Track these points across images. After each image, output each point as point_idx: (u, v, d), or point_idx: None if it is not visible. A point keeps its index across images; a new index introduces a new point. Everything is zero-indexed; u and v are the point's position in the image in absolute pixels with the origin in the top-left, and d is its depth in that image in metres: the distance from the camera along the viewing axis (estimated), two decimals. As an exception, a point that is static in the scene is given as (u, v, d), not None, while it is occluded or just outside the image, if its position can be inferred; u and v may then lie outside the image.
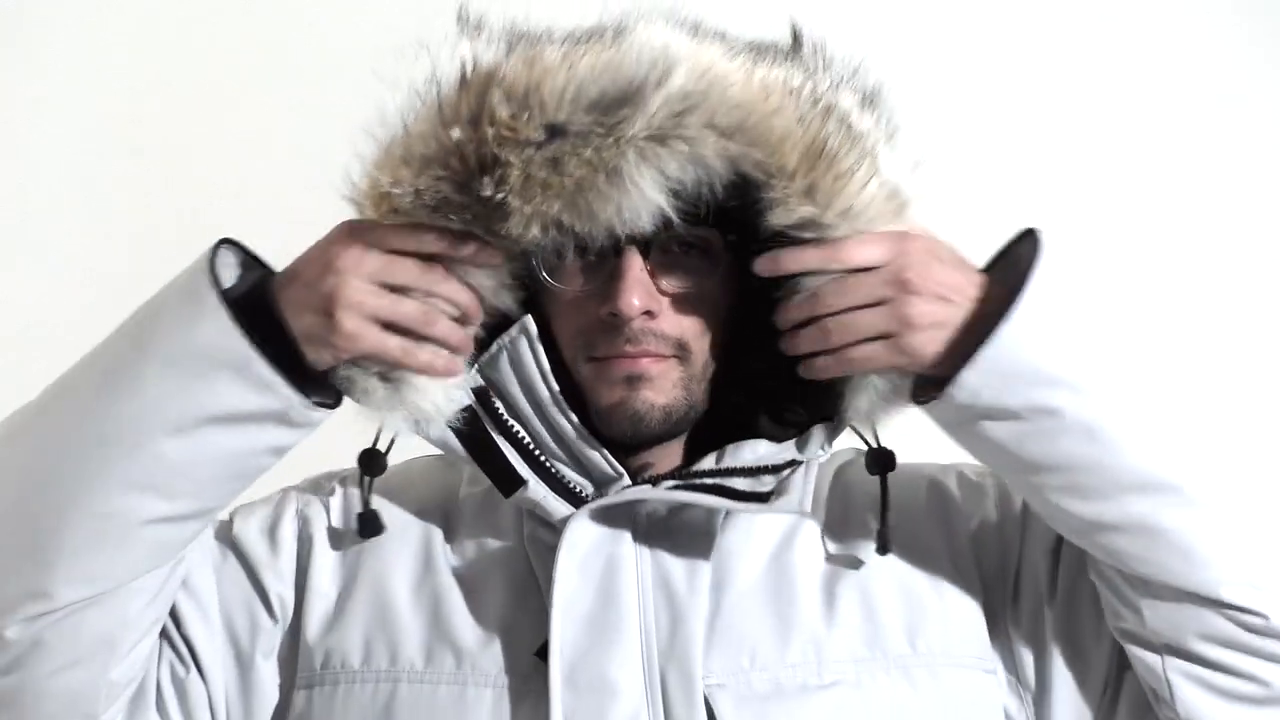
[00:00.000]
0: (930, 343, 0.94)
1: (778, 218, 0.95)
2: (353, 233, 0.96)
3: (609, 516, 1.03)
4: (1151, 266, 1.74)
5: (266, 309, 0.95)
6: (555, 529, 1.03)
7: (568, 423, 1.03)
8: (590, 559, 1.02)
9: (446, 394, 0.99)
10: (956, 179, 1.73)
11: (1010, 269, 0.96)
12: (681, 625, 1.00)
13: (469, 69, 0.94)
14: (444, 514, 1.10)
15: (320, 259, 0.96)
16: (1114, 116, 1.75)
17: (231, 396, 0.93)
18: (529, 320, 1.01)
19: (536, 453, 1.04)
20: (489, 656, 1.02)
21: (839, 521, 1.08)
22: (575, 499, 1.04)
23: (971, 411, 0.94)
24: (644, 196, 0.92)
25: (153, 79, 1.84)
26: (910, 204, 0.99)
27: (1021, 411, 0.93)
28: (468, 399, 1.01)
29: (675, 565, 1.02)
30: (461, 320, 0.97)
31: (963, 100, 1.74)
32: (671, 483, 1.03)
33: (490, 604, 1.04)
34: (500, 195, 0.92)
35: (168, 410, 0.93)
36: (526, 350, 1.02)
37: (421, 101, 0.95)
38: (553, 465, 1.05)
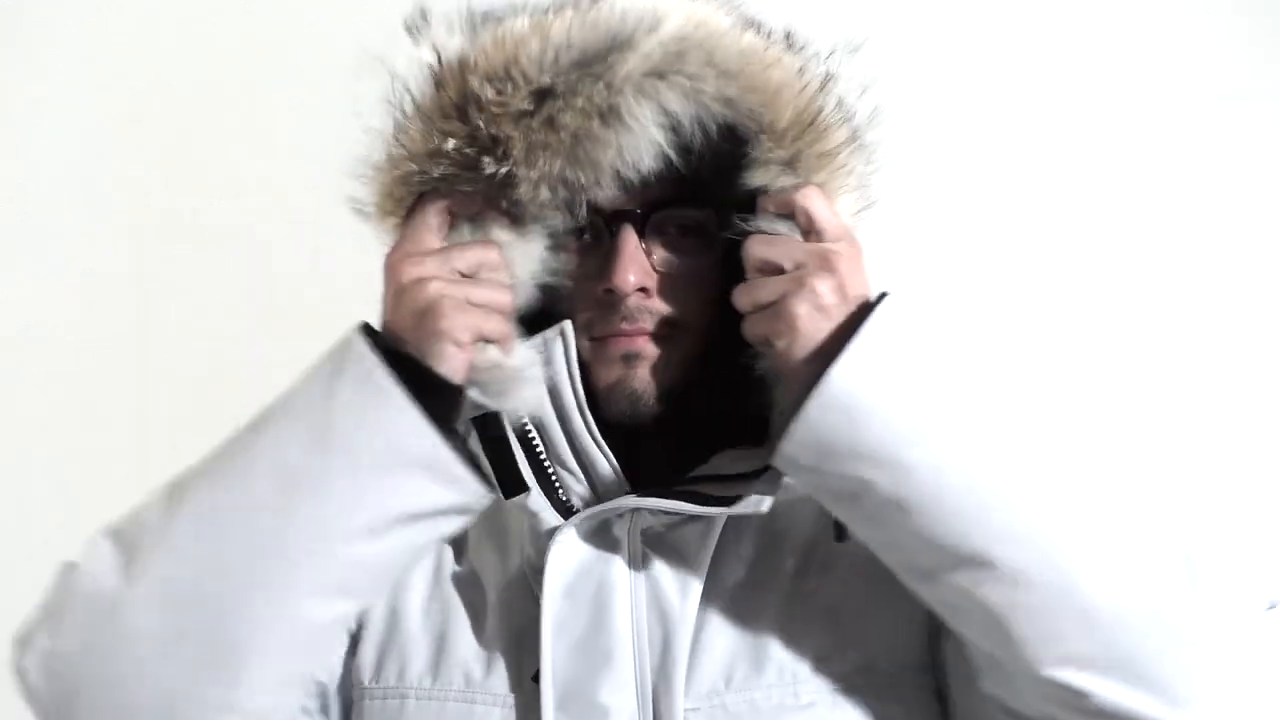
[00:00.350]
0: (810, 322, 0.92)
1: (757, 177, 0.96)
2: (399, 253, 0.97)
3: (600, 534, 1.03)
4: (1151, 266, 1.74)
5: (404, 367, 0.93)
6: (545, 543, 1.03)
7: (585, 429, 1.02)
8: (581, 581, 1.02)
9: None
10: (955, 178, 1.74)
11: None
12: (670, 647, 1.00)
13: (438, 68, 0.95)
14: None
15: (394, 288, 0.96)
16: (1113, 116, 1.75)
17: (426, 495, 0.92)
18: (568, 325, 1.01)
19: (544, 459, 1.04)
20: (495, 676, 1.02)
21: (808, 526, 1.07)
22: (567, 513, 1.04)
23: (796, 473, 0.94)
24: (645, 131, 0.93)
25: (153, 79, 1.84)
26: (871, 207, 1.00)
27: (833, 483, 0.92)
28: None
29: (669, 584, 1.02)
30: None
31: (959, 99, 1.74)
32: (634, 499, 1.02)
33: (495, 623, 1.04)
34: (504, 169, 0.93)
35: (360, 515, 0.91)
36: (560, 353, 1.01)
37: (404, 117, 0.96)
38: (555, 474, 1.04)
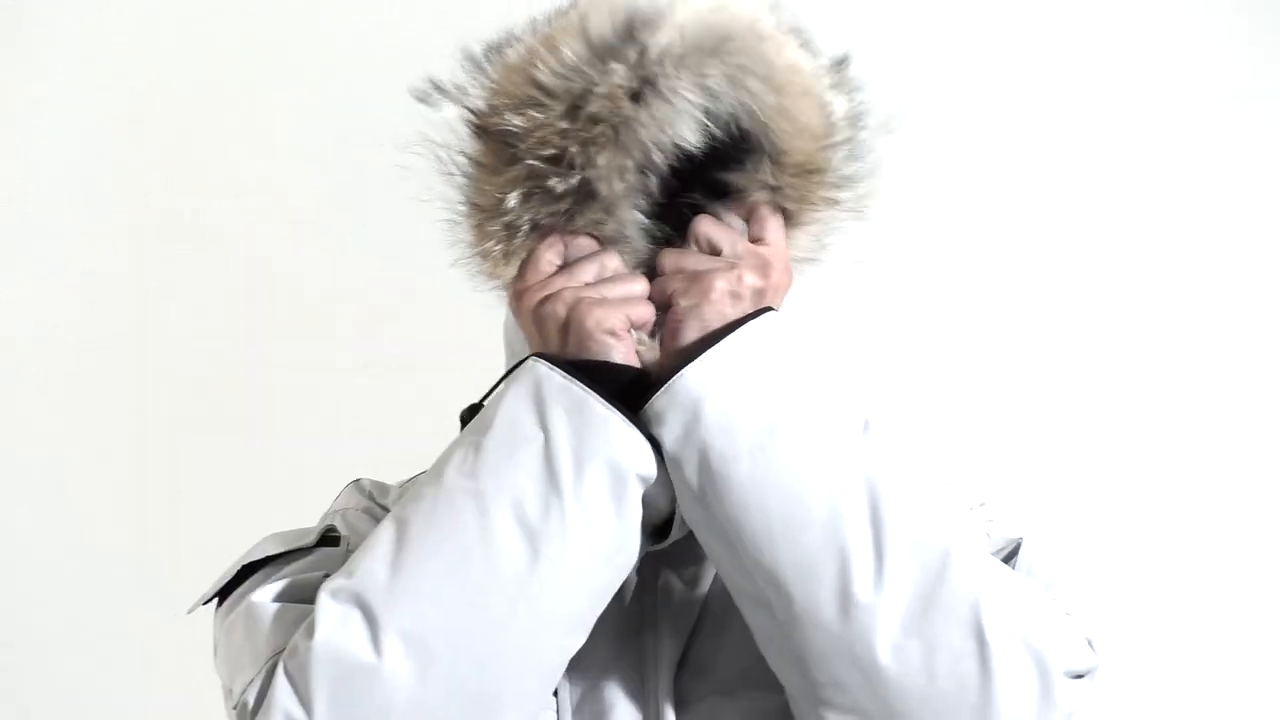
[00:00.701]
0: (721, 297, 0.94)
1: (739, 180, 0.98)
2: (523, 284, 0.97)
3: None
4: (1151, 265, 1.74)
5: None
6: None
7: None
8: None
9: None
10: (954, 176, 1.74)
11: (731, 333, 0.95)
12: (675, 646, 1.00)
13: (472, 118, 0.97)
14: None
15: (531, 312, 0.97)
16: (1111, 115, 1.75)
17: (646, 506, 0.93)
18: None
19: None
20: None
21: None
22: None
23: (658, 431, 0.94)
24: (687, 105, 0.93)
25: (153, 79, 1.84)
26: (815, 262, 1.03)
27: (672, 476, 0.93)
28: None
29: (676, 586, 1.03)
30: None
31: (958, 98, 1.74)
32: None
33: None
34: (575, 179, 0.94)
35: (600, 547, 0.92)
36: None
37: (464, 177, 0.98)
38: None
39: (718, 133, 0.96)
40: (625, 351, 0.94)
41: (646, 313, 0.96)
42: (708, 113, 0.94)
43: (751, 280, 0.95)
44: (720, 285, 0.94)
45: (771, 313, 0.95)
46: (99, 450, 1.83)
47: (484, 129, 0.97)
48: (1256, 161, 1.73)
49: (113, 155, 1.84)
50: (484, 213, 0.98)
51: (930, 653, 0.89)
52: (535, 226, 0.97)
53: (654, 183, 0.97)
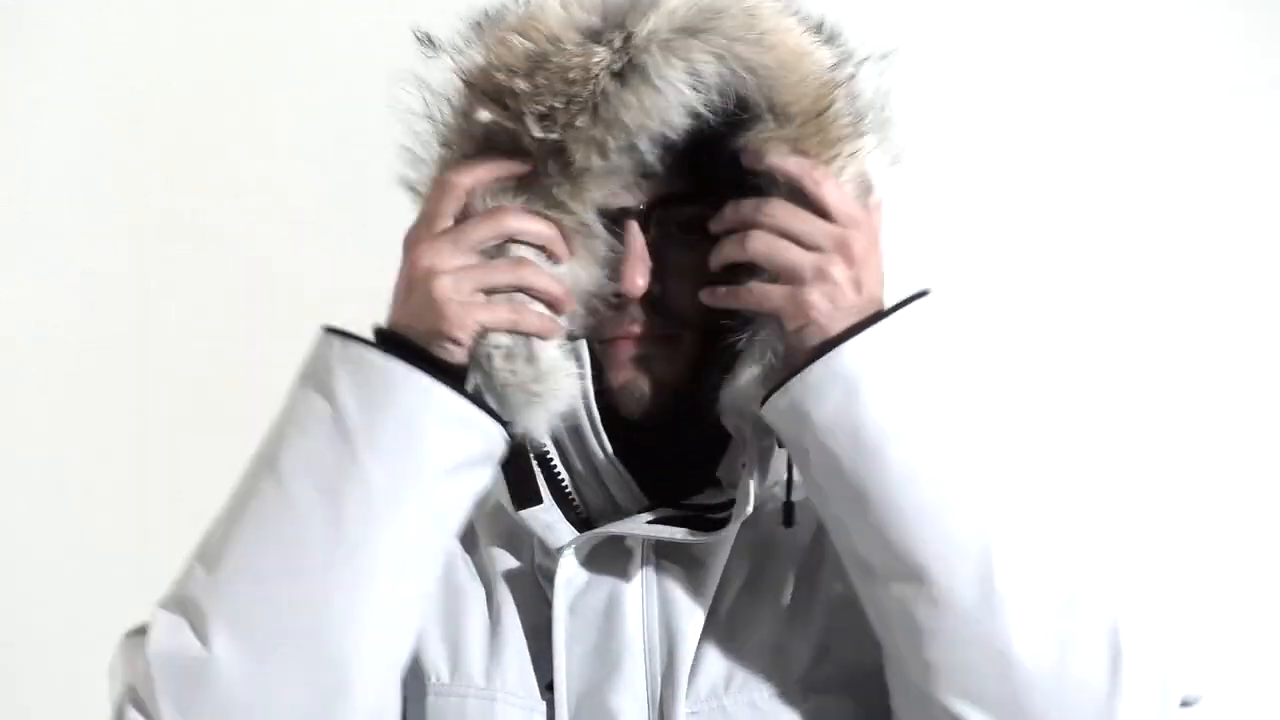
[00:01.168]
0: (825, 312, 0.93)
1: (754, 140, 0.96)
2: (414, 236, 0.97)
3: (612, 543, 1.03)
4: (1151, 264, 1.74)
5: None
6: (555, 557, 1.03)
7: (597, 441, 1.03)
8: (592, 591, 1.03)
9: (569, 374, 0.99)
10: (953, 175, 1.74)
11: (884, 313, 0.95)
12: (676, 652, 1.00)
13: (463, 75, 0.96)
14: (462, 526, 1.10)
15: (405, 274, 0.96)
16: (1109, 113, 1.75)
17: (456, 448, 0.94)
18: (583, 344, 1.01)
19: (556, 470, 1.04)
20: (514, 676, 1.02)
21: (807, 530, 1.08)
22: (579, 524, 1.04)
23: (777, 424, 0.95)
24: (674, 90, 0.93)
25: (153, 79, 1.84)
26: (879, 205, 0.99)
27: (806, 447, 0.93)
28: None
29: (679, 592, 1.03)
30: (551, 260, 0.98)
31: (957, 96, 1.74)
32: (649, 516, 1.03)
33: (510, 621, 1.04)
34: (553, 135, 0.93)
35: (405, 489, 0.93)
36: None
37: (441, 119, 0.97)
38: (569, 486, 1.05)
39: (709, 112, 0.94)
40: (459, 357, 0.95)
41: (530, 323, 0.95)
42: (698, 89, 0.93)
43: (844, 276, 0.94)
44: (818, 301, 0.93)
45: (929, 295, 0.95)
46: (99, 450, 1.83)
47: (473, 85, 0.96)
48: (1254, 156, 1.73)
49: (113, 155, 1.84)
50: (446, 149, 0.98)
51: (1065, 651, 0.90)
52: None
53: (634, 175, 0.97)
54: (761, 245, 0.95)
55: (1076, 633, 0.90)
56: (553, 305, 0.97)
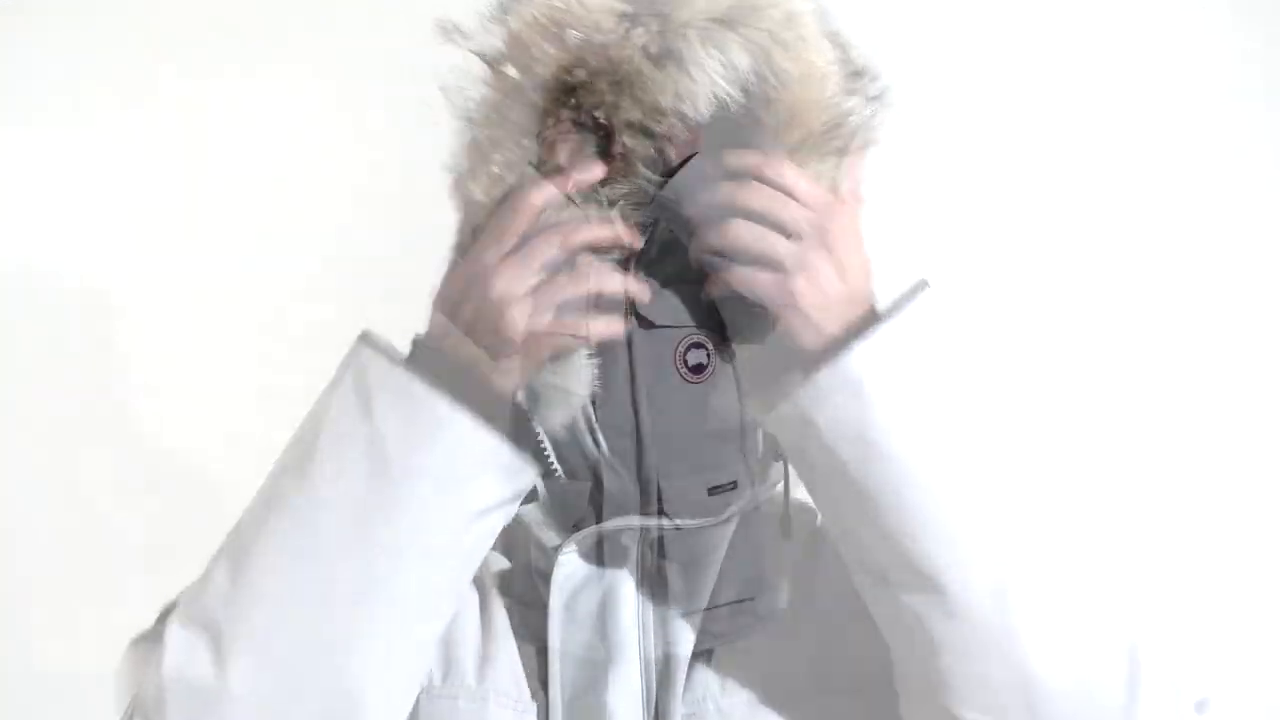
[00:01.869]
0: (815, 304, 0.91)
1: (761, 140, 0.95)
2: (482, 256, 0.94)
3: (608, 540, 1.03)
4: (1150, 264, 1.75)
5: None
6: (550, 556, 1.03)
7: (596, 449, 1.02)
8: (587, 589, 1.02)
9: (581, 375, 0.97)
10: (952, 174, 1.74)
11: (885, 312, 0.93)
12: (672, 652, 1.00)
13: (492, 62, 0.95)
14: None
15: (468, 294, 0.93)
16: (1108, 113, 1.75)
17: (492, 492, 0.92)
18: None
19: (553, 466, 1.04)
20: (506, 676, 1.02)
21: (807, 531, 1.08)
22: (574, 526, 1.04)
23: (781, 433, 0.93)
24: (706, 78, 0.92)
25: (154, 78, 1.84)
26: (856, 198, 0.98)
27: (813, 454, 0.92)
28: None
29: (675, 590, 1.02)
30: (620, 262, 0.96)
31: (956, 95, 1.74)
32: (639, 519, 1.02)
33: (503, 621, 1.04)
34: (590, 116, 0.92)
35: (439, 533, 0.92)
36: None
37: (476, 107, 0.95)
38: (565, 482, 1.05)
39: (736, 99, 0.94)
40: (519, 379, 0.93)
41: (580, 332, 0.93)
42: (727, 79, 0.92)
43: (826, 265, 0.92)
44: (805, 293, 0.91)
45: (929, 292, 0.93)
46: (100, 450, 1.83)
47: (497, 70, 0.95)
48: (1252, 154, 1.74)
49: (115, 155, 1.85)
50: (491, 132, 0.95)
51: (1083, 663, 0.89)
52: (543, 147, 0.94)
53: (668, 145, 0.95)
54: (743, 233, 0.93)
55: (1094, 644, 0.89)
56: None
